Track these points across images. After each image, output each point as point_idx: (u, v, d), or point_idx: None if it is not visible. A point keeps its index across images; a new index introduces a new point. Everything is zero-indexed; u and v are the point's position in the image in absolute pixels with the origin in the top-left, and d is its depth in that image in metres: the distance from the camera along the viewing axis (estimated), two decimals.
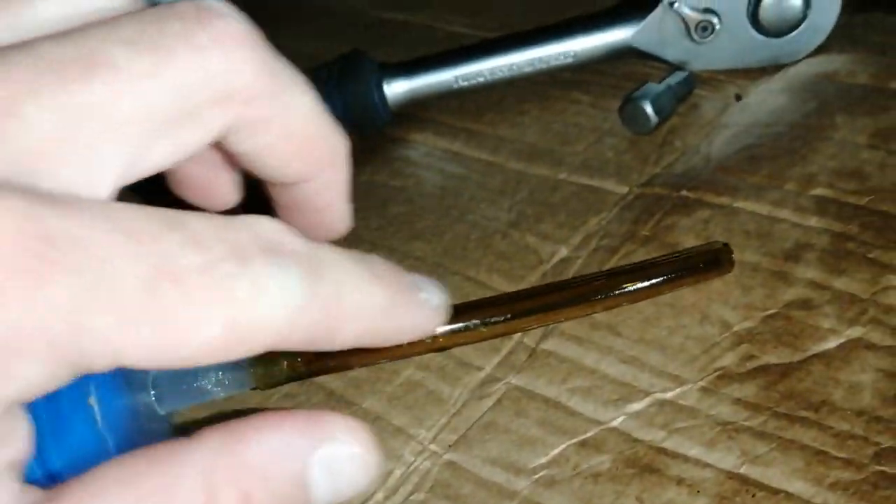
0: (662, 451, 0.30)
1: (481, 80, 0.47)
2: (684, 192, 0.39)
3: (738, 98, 0.44)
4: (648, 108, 0.43)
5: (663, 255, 0.34)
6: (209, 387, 0.31)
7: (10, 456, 0.21)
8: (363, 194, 0.45)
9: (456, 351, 0.33)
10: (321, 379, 0.33)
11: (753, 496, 0.28)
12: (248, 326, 0.21)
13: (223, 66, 0.23)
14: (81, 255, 0.19)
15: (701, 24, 0.44)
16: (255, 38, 0.24)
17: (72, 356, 0.20)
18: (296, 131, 0.26)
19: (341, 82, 0.46)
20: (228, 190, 0.30)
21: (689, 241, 0.36)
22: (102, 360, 0.20)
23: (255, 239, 0.22)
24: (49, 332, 0.19)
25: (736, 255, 0.34)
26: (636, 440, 0.30)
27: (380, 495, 0.31)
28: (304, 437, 0.22)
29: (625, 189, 0.40)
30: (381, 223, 0.43)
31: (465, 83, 0.47)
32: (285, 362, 0.31)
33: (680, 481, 0.29)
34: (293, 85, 0.26)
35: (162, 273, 0.20)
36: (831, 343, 0.31)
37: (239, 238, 0.22)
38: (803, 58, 0.45)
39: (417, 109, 0.48)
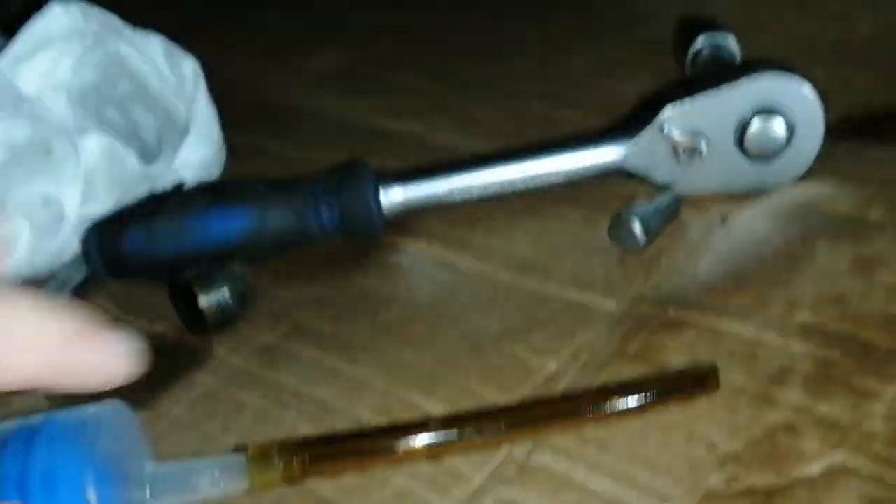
0: None
1: (474, 193, 0.48)
2: (671, 312, 0.40)
3: (724, 221, 0.45)
4: (637, 228, 0.44)
5: (651, 374, 0.35)
6: (204, 486, 0.31)
7: None
8: (354, 299, 0.46)
9: (447, 461, 0.34)
10: (313, 485, 0.34)
11: None
12: None
13: None
14: None
15: (689, 148, 0.46)
16: None
17: None
18: None
19: (340, 191, 0.46)
20: None
21: (675, 360, 0.37)
22: None
23: None
24: None
25: (721, 376, 0.35)
26: None
27: None
28: None
29: (612, 305, 0.41)
30: (372, 329, 0.43)
31: (459, 196, 0.48)
32: (281, 464, 0.31)
33: None
34: None
35: None
36: (815, 468, 0.32)
37: None
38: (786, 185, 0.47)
39: (410, 217, 0.49)
